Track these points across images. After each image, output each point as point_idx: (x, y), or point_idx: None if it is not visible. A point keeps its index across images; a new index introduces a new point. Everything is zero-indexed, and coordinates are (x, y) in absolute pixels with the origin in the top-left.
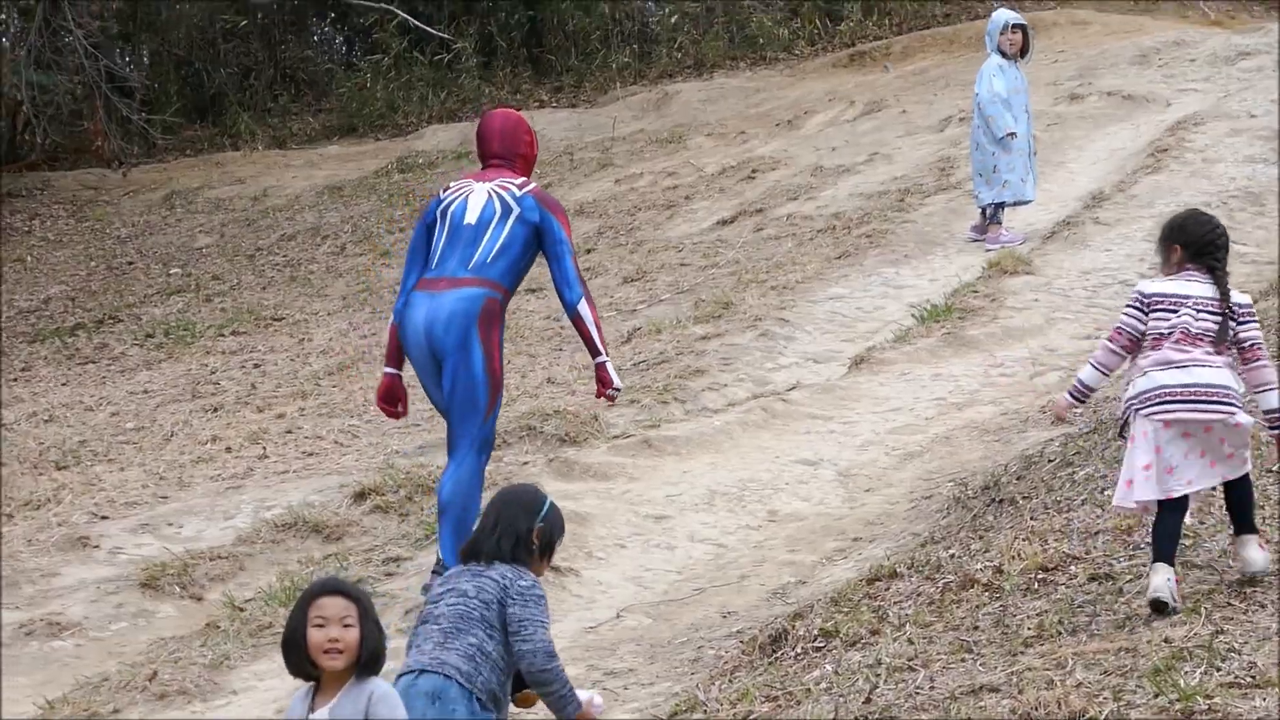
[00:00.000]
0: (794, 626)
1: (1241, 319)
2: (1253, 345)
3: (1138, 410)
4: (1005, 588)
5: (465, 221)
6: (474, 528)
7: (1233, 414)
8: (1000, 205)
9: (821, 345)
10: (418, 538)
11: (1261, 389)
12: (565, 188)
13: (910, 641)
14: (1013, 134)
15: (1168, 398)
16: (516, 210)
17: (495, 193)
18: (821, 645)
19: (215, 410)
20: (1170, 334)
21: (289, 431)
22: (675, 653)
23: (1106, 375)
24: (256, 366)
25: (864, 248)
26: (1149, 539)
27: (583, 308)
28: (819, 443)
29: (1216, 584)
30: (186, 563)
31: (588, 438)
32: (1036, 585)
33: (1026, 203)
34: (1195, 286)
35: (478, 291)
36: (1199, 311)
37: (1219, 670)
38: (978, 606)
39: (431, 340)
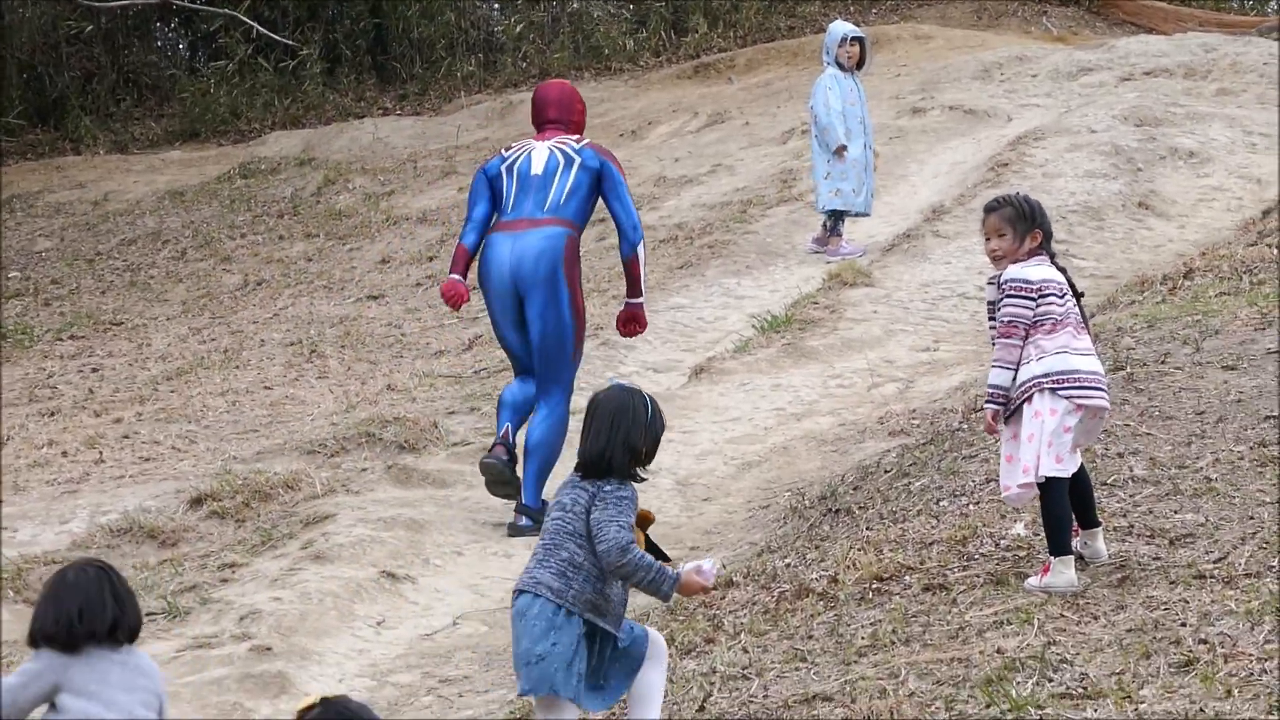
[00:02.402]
0: None
1: None
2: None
3: (1050, 389)
4: (840, 597)
5: (532, 173)
6: (585, 440)
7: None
8: (840, 217)
9: (662, 355)
10: (254, 544)
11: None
12: (408, 195)
13: (745, 650)
14: (844, 147)
15: (1084, 382)
16: (579, 160)
17: (556, 148)
18: None
19: (52, 415)
20: (1066, 319)
21: (126, 436)
22: (511, 660)
23: (1014, 371)
24: (94, 371)
25: (706, 258)
26: (984, 549)
27: (641, 250)
28: (659, 451)
29: (1049, 596)
30: (20, 567)
31: (427, 445)
32: (871, 595)
33: (861, 215)
34: (1056, 272)
35: (559, 230)
36: (1076, 298)
37: (1051, 681)
38: (812, 616)
39: (518, 277)
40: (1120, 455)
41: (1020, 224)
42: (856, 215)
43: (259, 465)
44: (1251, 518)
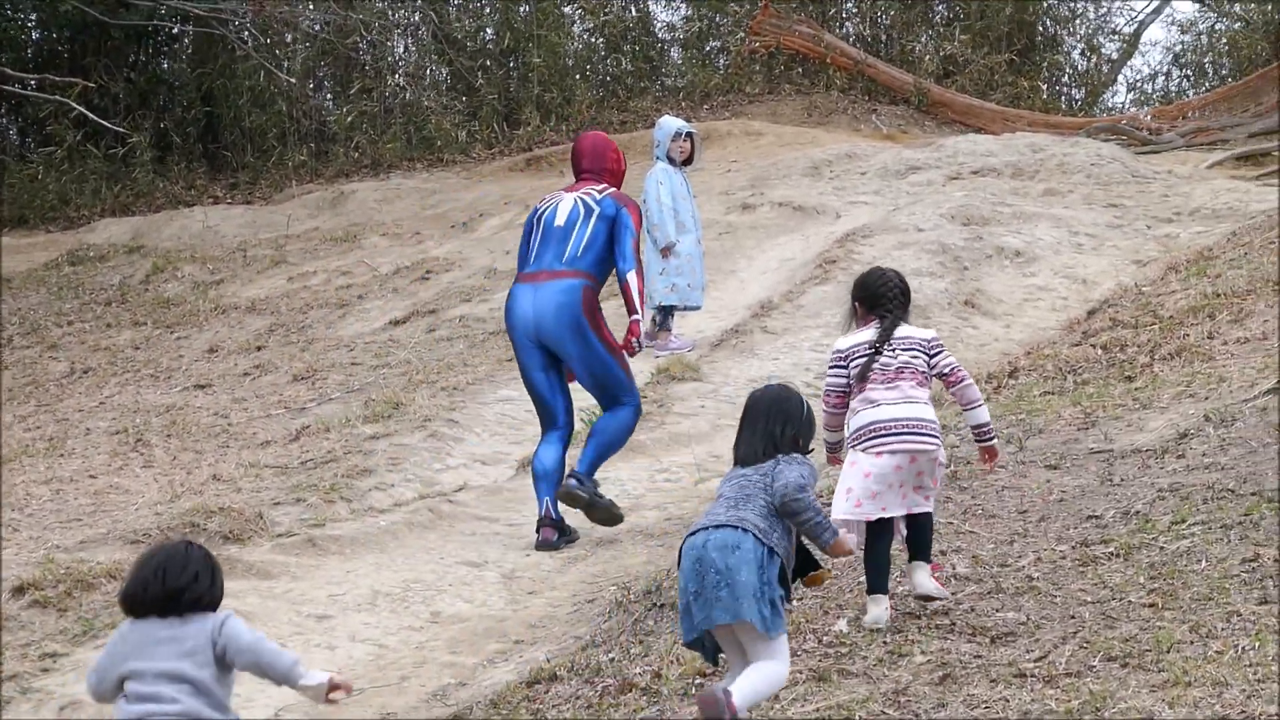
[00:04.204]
0: None
1: (933, 352)
2: (952, 370)
3: (852, 445)
4: (663, 692)
5: (555, 224)
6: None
7: (937, 448)
8: (670, 311)
9: (490, 447)
10: (76, 633)
11: (970, 406)
12: (237, 284)
13: None
14: (671, 245)
15: (881, 431)
16: (597, 210)
17: (580, 199)
18: None
19: None
20: (880, 375)
21: None
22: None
23: (837, 431)
24: None
25: None
26: (806, 645)
27: (631, 276)
28: (484, 544)
29: (871, 692)
30: None
31: (251, 536)
32: (694, 690)
33: (691, 309)
34: (865, 334)
35: (574, 282)
36: (897, 351)
37: None
38: (635, 710)
39: (541, 330)
40: (943, 553)
41: (850, 303)
42: (687, 309)
43: (82, 554)
44: (1073, 617)
